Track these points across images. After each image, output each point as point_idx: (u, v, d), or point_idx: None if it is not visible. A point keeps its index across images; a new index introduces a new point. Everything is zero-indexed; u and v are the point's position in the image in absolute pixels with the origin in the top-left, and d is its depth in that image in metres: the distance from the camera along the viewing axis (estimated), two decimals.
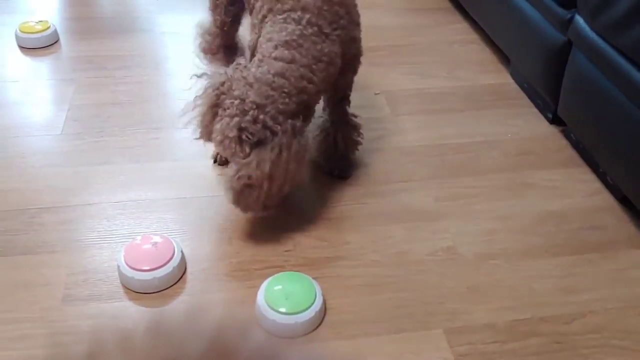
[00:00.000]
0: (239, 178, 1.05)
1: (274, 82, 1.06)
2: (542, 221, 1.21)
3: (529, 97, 1.56)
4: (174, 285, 1.04)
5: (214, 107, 1.09)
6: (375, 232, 1.17)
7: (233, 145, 1.05)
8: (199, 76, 1.13)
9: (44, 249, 1.10)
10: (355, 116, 1.32)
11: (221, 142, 1.06)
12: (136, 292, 1.02)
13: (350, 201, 1.23)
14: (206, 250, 1.11)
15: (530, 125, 1.48)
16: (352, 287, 1.06)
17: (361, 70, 1.65)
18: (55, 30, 1.72)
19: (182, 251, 1.07)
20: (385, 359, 0.95)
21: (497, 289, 1.06)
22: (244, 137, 1.04)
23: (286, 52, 1.08)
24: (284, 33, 1.10)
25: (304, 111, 1.11)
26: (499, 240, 1.16)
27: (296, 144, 1.07)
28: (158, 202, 1.21)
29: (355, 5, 1.25)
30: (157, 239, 1.07)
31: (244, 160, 1.04)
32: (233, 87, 1.07)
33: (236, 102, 1.05)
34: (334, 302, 1.03)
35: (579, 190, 1.29)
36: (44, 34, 1.68)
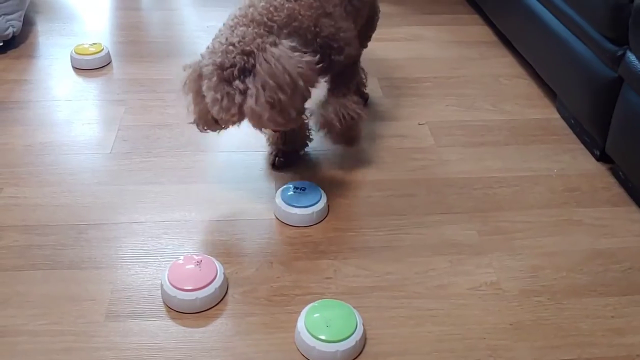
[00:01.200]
0: (253, 106, 1.05)
1: (233, 21, 1.12)
2: (589, 260, 1.18)
3: (576, 133, 1.54)
4: (215, 307, 1.04)
5: (198, 84, 1.13)
6: (417, 263, 1.15)
7: (225, 91, 1.06)
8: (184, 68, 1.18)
9: (89, 264, 1.12)
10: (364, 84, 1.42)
11: (214, 101, 1.07)
12: (178, 311, 1.03)
13: (392, 230, 1.23)
14: (247, 273, 1.12)
15: (576, 161, 1.45)
16: (393, 318, 1.04)
17: (405, 100, 1.68)
18: (108, 53, 1.78)
19: (224, 273, 1.07)
20: None
21: (541, 326, 1.04)
22: (226, 74, 1.05)
23: (247, 1, 1.15)
24: (241, 9, 1.15)
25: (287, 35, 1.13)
26: (544, 277, 1.14)
27: (276, 49, 1.08)
28: (202, 223, 1.23)
29: None
30: (200, 259, 1.08)
31: (249, 91, 1.05)
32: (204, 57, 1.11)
33: (207, 61, 1.09)
34: (374, 332, 1.01)
35: (629, 229, 1.25)
36: (97, 56, 1.74)
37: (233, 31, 1.10)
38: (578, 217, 1.28)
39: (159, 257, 1.14)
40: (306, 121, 1.34)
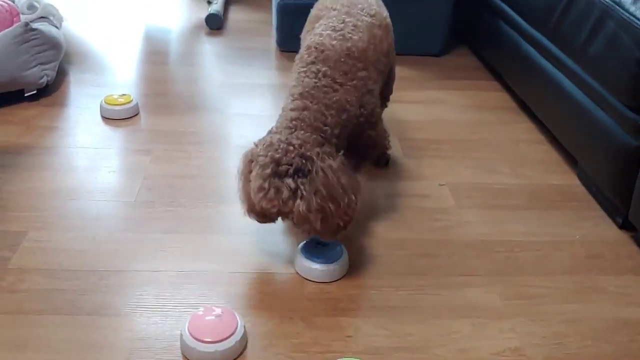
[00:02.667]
0: (303, 209, 1.09)
1: (292, 123, 1.17)
2: (614, 329, 1.15)
3: (597, 200, 1.54)
4: None
5: (246, 171, 1.17)
6: (439, 325, 1.14)
7: (274, 183, 1.10)
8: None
9: (109, 311, 1.12)
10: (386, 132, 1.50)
11: (260, 189, 1.10)
12: None
13: (413, 290, 1.22)
14: (267, 327, 1.11)
15: (598, 228, 1.45)
16: None
17: (426, 161, 1.70)
18: (137, 104, 1.83)
19: (244, 326, 1.06)
20: None
21: None
22: (281, 169, 1.10)
23: (299, 102, 1.20)
24: (299, 87, 1.23)
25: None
26: (568, 345, 1.11)
27: (334, 162, 1.13)
28: (222, 274, 1.23)
29: (377, 61, 1.37)
30: (219, 311, 1.08)
31: (301, 194, 1.09)
32: (258, 147, 1.15)
33: (263, 152, 1.13)
34: None
35: None
36: (126, 106, 1.79)
37: (292, 132, 1.15)
38: (602, 284, 1.27)
39: (178, 307, 1.13)
40: None
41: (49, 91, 1.91)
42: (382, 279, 1.25)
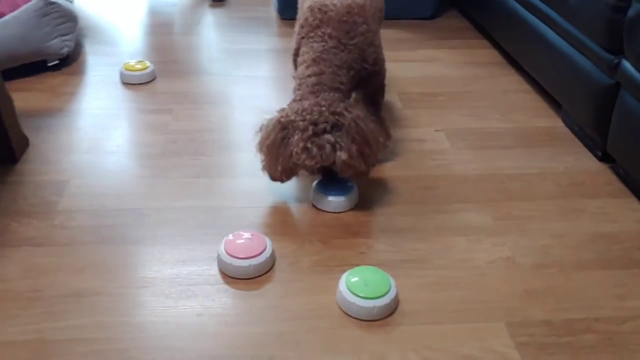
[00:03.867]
0: (345, 158, 1.27)
1: (315, 88, 1.33)
2: (593, 240, 1.32)
3: (579, 138, 1.70)
4: (265, 274, 1.19)
5: (278, 138, 1.31)
6: (440, 242, 1.30)
7: (316, 142, 1.26)
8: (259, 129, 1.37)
9: (154, 240, 1.27)
10: (385, 121, 1.58)
11: (304, 149, 1.26)
12: (233, 277, 1.18)
13: (416, 216, 1.38)
14: (291, 249, 1.27)
15: (580, 161, 1.61)
16: (421, 284, 1.19)
17: (424, 111, 1.85)
18: (154, 70, 1.97)
19: (272, 246, 1.23)
20: (452, 342, 1.06)
21: (552, 293, 1.18)
22: (319, 127, 1.26)
23: (315, 68, 1.35)
24: (311, 53, 1.37)
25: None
26: (553, 254, 1.28)
27: (360, 112, 1.32)
28: (247, 209, 1.38)
29: (377, 10, 1.53)
30: (248, 234, 1.23)
31: (340, 146, 1.27)
32: (290, 115, 1.30)
33: (300, 117, 1.28)
34: (405, 295, 1.16)
35: (628, 217, 1.40)
36: (145, 72, 1.93)
37: (318, 96, 1.32)
38: (582, 206, 1.43)
39: (212, 235, 1.29)
40: None
41: (69, 61, 2.05)
42: (389, 208, 1.41)
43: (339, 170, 1.31)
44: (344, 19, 1.41)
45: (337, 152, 1.28)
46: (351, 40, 1.40)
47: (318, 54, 1.37)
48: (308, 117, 1.28)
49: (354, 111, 1.31)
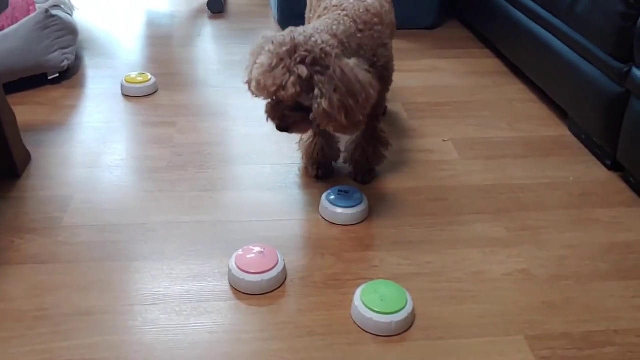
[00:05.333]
0: (326, 107, 1.15)
1: (317, 29, 1.22)
2: (608, 250, 1.30)
3: (587, 147, 1.68)
4: (278, 289, 1.16)
5: (258, 47, 1.21)
6: (454, 254, 1.28)
7: (284, 64, 1.13)
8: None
9: (161, 255, 1.24)
10: (384, 132, 1.49)
11: (265, 65, 1.15)
12: (245, 293, 1.15)
13: (428, 228, 1.36)
14: (302, 263, 1.24)
15: (590, 170, 1.59)
16: (436, 298, 1.16)
17: (430, 121, 1.83)
18: (155, 82, 1.95)
19: (283, 260, 1.20)
20: (472, 357, 1.04)
21: (570, 304, 1.16)
22: (300, 54, 1.14)
23: (326, 20, 1.28)
24: (323, 23, 1.27)
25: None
26: (569, 265, 1.26)
27: (350, 60, 1.20)
28: (256, 222, 1.36)
29: (391, 23, 1.46)
30: (259, 248, 1.21)
31: (325, 94, 1.14)
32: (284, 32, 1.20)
33: (285, 33, 1.18)
34: (421, 310, 1.13)
35: None
36: (147, 84, 1.91)
37: (319, 33, 1.21)
38: (595, 216, 1.41)
39: (221, 250, 1.26)
40: (334, 134, 1.51)
41: (69, 74, 2.02)
42: (400, 220, 1.38)
43: (316, 120, 1.19)
44: (361, 11, 1.34)
45: (318, 99, 1.15)
46: (367, 28, 1.32)
47: (333, 23, 1.27)
48: (293, 35, 1.17)
49: (344, 59, 1.19)
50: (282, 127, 1.24)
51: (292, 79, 1.14)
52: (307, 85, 1.16)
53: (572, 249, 1.31)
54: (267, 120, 1.27)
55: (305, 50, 1.16)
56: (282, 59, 1.15)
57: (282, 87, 1.15)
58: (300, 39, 1.17)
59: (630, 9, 1.39)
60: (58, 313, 1.10)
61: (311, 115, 1.19)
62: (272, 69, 1.15)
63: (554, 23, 1.76)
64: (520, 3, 1.97)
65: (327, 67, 1.16)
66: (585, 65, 1.62)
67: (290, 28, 1.23)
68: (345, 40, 1.26)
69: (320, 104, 1.16)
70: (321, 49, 1.17)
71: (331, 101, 1.16)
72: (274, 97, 1.21)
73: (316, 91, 1.16)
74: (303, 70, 1.15)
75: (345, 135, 1.28)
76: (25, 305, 1.12)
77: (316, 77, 1.16)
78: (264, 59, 1.17)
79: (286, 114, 1.22)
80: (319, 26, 1.26)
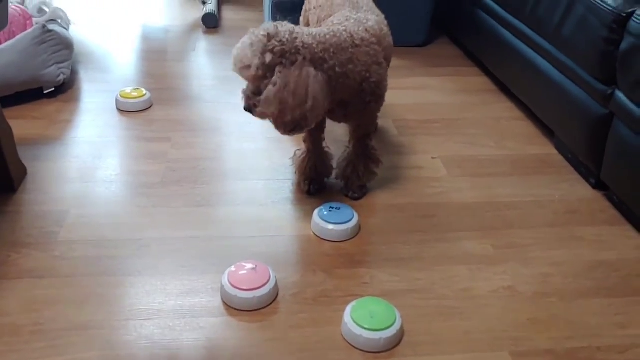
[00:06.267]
0: (270, 94, 1.23)
1: (304, 35, 1.28)
2: (592, 268, 1.34)
3: (573, 166, 1.73)
4: (270, 305, 1.19)
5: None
6: (442, 271, 1.31)
7: (255, 47, 1.23)
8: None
9: (155, 271, 1.27)
10: (376, 150, 1.53)
11: (243, 44, 1.25)
12: (237, 309, 1.18)
13: (418, 244, 1.39)
14: (294, 280, 1.27)
15: (575, 189, 1.64)
16: (425, 315, 1.19)
17: (419, 138, 1.86)
18: (150, 97, 1.97)
19: (275, 277, 1.23)
20: None
21: (554, 321, 1.19)
22: (272, 42, 1.23)
23: (313, 40, 1.29)
24: (319, 30, 1.33)
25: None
26: (553, 282, 1.29)
27: (316, 72, 1.26)
28: (249, 239, 1.38)
29: (388, 46, 1.50)
30: (251, 265, 1.23)
31: (277, 82, 1.23)
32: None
33: (270, 23, 1.26)
34: (410, 326, 1.16)
35: (625, 244, 1.42)
36: (142, 99, 1.94)
37: (305, 35, 1.28)
38: (580, 234, 1.45)
39: (214, 266, 1.29)
40: (327, 150, 1.56)
41: (65, 88, 2.05)
42: (390, 237, 1.42)
43: (259, 102, 1.28)
44: (360, 29, 1.37)
45: (270, 85, 1.24)
46: (363, 44, 1.35)
47: (331, 31, 1.33)
48: (274, 25, 1.26)
49: (310, 68, 1.25)
50: (245, 107, 1.33)
51: (257, 61, 1.23)
52: (269, 73, 1.24)
53: (557, 266, 1.34)
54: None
55: (280, 42, 1.24)
56: (257, 42, 1.24)
57: (247, 67, 1.25)
58: (282, 31, 1.25)
59: (613, 34, 1.44)
60: (54, 328, 1.12)
61: (257, 97, 1.27)
62: (245, 49, 1.25)
63: (541, 44, 1.81)
64: (509, 23, 2.02)
65: (292, 64, 1.24)
66: (571, 86, 1.67)
67: (285, 22, 1.31)
68: (331, 52, 1.30)
69: (269, 89, 1.24)
70: (295, 47, 1.25)
71: (278, 92, 1.23)
72: (241, 76, 1.29)
73: (273, 78, 1.24)
74: (268, 57, 1.23)
75: (277, 131, 1.33)
76: (21, 320, 1.13)
77: (278, 68, 1.24)
78: (245, 38, 1.27)
79: (249, 95, 1.30)
80: (314, 31, 1.31)
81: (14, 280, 1.23)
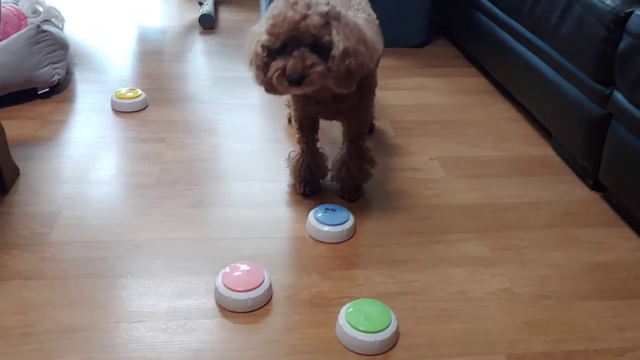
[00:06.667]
0: (345, 49, 1.20)
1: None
2: (590, 270, 1.32)
3: (571, 167, 1.71)
4: (264, 307, 1.17)
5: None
6: (439, 273, 1.30)
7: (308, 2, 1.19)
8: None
9: (148, 272, 1.25)
10: (370, 150, 1.51)
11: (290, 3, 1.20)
12: (231, 311, 1.16)
13: (414, 246, 1.37)
14: (289, 281, 1.25)
15: (573, 190, 1.62)
16: (421, 317, 1.18)
17: (417, 139, 1.85)
18: (145, 98, 1.96)
19: (270, 278, 1.21)
20: None
21: (551, 324, 1.17)
22: (317, 2, 1.20)
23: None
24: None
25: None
26: (551, 284, 1.28)
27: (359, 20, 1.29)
28: (244, 240, 1.37)
29: (374, 51, 1.42)
30: (246, 266, 1.22)
31: (342, 36, 1.20)
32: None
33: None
34: (405, 328, 1.14)
35: (623, 246, 1.41)
36: (137, 100, 1.92)
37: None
38: (578, 236, 1.44)
39: (209, 268, 1.27)
40: (322, 151, 1.54)
41: (59, 89, 2.03)
42: (386, 238, 1.40)
43: (334, 59, 1.20)
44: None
45: (336, 37, 1.20)
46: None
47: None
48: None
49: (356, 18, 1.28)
50: (295, 77, 1.20)
51: (314, 9, 1.19)
52: (325, 29, 1.20)
53: (554, 268, 1.33)
54: (274, 80, 1.23)
55: (321, 2, 1.21)
56: (301, 2, 1.20)
57: (305, 16, 1.18)
58: None
59: (611, 34, 1.43)
60: (43, 330, 1.10)
61: (332, 52, 1.20)
62: (292, 5, 1.19)
63: (539, 45, 1.80)
64: (507, 24, 2.01)
65: (339, 19, 1.22)
66: (569, 87, 1.65)
67: None
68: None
69: (339, 41, 1.20)
70: (333, 6, 1.23)
71: (349, 40, 1.20)
72: (292, 33, 1.19)
73: (334, 31, 1.20)
74: (323, 8, 1.20)
75: (342, 92, 1.28)
76: (9, 322, 1.12)
77: (333, 22, 1.21)
78: (280, 3, 1.20)
79: (305, 55, 1.20)
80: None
81: (3, 281, 1.21)
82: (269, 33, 1.22)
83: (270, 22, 1.21)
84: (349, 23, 1.23)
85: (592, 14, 1.50)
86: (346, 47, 1.20)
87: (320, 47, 1.21)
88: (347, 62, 1.21)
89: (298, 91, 1.27)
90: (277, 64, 1.22)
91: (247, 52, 1.31)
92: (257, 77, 1.30)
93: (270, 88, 1.29)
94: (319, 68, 1.21)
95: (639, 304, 1.23)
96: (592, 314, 1.20)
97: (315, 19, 1.18)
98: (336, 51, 1.20)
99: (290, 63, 1.19)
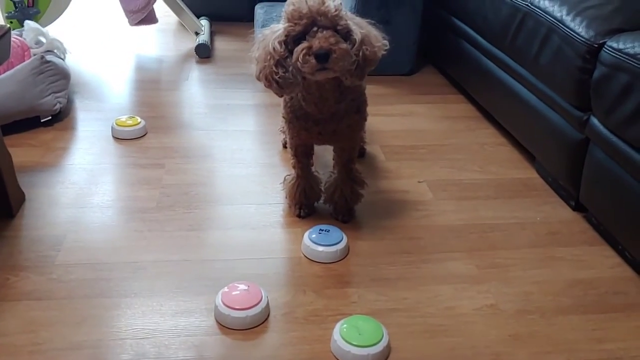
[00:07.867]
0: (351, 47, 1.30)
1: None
2: (571, 286, 1.39)
3: (553, 189, 1.79)
4: (261, 324, 1.23)
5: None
6: (428, 290, 1.36)
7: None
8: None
9: (151, 293, 1.31)
10: (360, 173, 1.59)
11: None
12: (230, 328, 1.22)
13: (404, 265, 1.44)
14: (285, 300, 1.31)
15: (556, 211, 1.70)
16: (411, 332, 1.24)
17: (406, 163, 1.93)
18: (145, 125, 2.03)
19: (267, 297, 1.27)
20: None
21: (535, 337, 1.24)
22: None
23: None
24: None
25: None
26: (534, 300, 1.35)
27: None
28: (241, 261, 1.43)
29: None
30: (244, 286, 1.28)
31: (355, 27, 1.31)
32: None
33: None
34: (396, 343, 1.20)
35: (602, 263, 1.48)
36: (137, 127, 1.99)
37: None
38: (560, 254, 1.51)
39: (208, 287, 1.33)
40: (317, 175, 1.62)
41: (61, 117, 2.10)
42: (377, 258, 1.47)
43: (355, 44, 1.30)
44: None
45: (352, 27, 1.30)
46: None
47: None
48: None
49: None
50: (324, 52, 1.25)
51: (329, 1, 1.27)
52: (339, 15, 1.29)
53: (538, 285, 1.40)
54: (300, 61, 1.28)
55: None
56: None
57: (324, 2, 1.27)
58: None
59: (586, 64, 1.52)
60: (52, 347, 1.16)
61: (352, 37, 1.30)
62: (303, 1, 1.27)
63: (521, 73, 1.89)
64: (491, 53, 2.11)
65: (349, 16, 1.32)
66: (549, 113, 1.74)
67: None
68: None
69: (356, 30, 1.30)
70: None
71: (362, 30, 1.31)
72: (313, 16, 1.27)
73: (349, 22, 1.30)
74: (336, 1, 1.28)
75: (353, 83, 1.37)
76: (19, 341, 1.17)
77: (344, 15, 1.30)
78: None
79: (329, 34, 1.27)
80: None
81: (13, 302, 1.27)
82: (290, 19, 1.29)
83: (291, 8, 1.29)
84: (356, 19, 1.35)
85: (568, 45, 1.60)
86: (363, 34, 1.31)
87: (338, 33, 1.30)
88: (364, 48, 1.31)
89: (321, 75, 1.30)
90: (301, 46, 1.28)
91: (256, 54, 1.39)
92: (272, 75, 1.33)
93: (285, 84, 1.33)
94: (344, 45, 1.29)
95: (617, 318, 1.30)
96: (573, 328, 1.27)
97: (332, 5, 1.28)
98: (356, 37, 1.30)
99: (317, 41, 1.26)
